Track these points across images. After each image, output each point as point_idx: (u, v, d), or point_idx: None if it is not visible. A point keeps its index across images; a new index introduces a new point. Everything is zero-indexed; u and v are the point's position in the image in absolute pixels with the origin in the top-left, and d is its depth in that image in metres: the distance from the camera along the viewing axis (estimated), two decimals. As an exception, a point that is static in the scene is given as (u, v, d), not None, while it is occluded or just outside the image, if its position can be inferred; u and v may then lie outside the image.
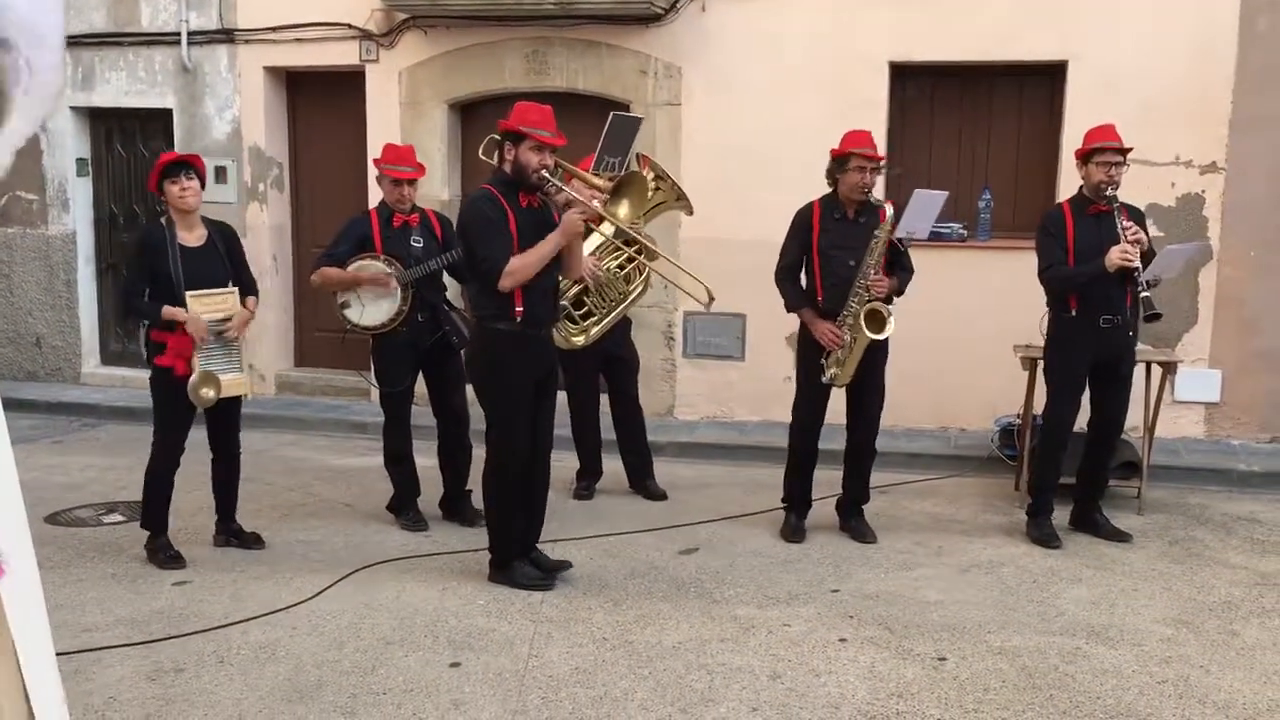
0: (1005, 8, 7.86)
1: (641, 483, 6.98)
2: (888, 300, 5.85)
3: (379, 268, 6.09)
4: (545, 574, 5.27)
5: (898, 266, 5.96)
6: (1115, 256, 5.64)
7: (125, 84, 9.73)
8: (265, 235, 9.50)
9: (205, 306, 5.46)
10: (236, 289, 5.61)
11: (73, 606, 4.97)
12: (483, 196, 5.12)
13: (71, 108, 9.89)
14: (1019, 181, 8.32)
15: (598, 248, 6.26)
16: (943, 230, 8.26)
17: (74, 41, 9.69)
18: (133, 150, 10.08)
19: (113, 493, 6.96)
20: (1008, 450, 7.32)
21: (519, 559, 5.28)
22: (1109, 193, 5.76)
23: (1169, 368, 6.69)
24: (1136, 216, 5.96)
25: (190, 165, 5.57)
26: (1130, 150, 5.93)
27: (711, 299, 5.93)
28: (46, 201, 10.10)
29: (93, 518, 6.45)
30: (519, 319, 5.04)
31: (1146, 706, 4.04)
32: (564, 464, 7.36)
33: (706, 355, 8.74)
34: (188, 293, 5.38)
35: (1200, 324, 7.83)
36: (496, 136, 5.22)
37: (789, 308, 6.03)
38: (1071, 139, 7.81)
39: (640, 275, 6.47)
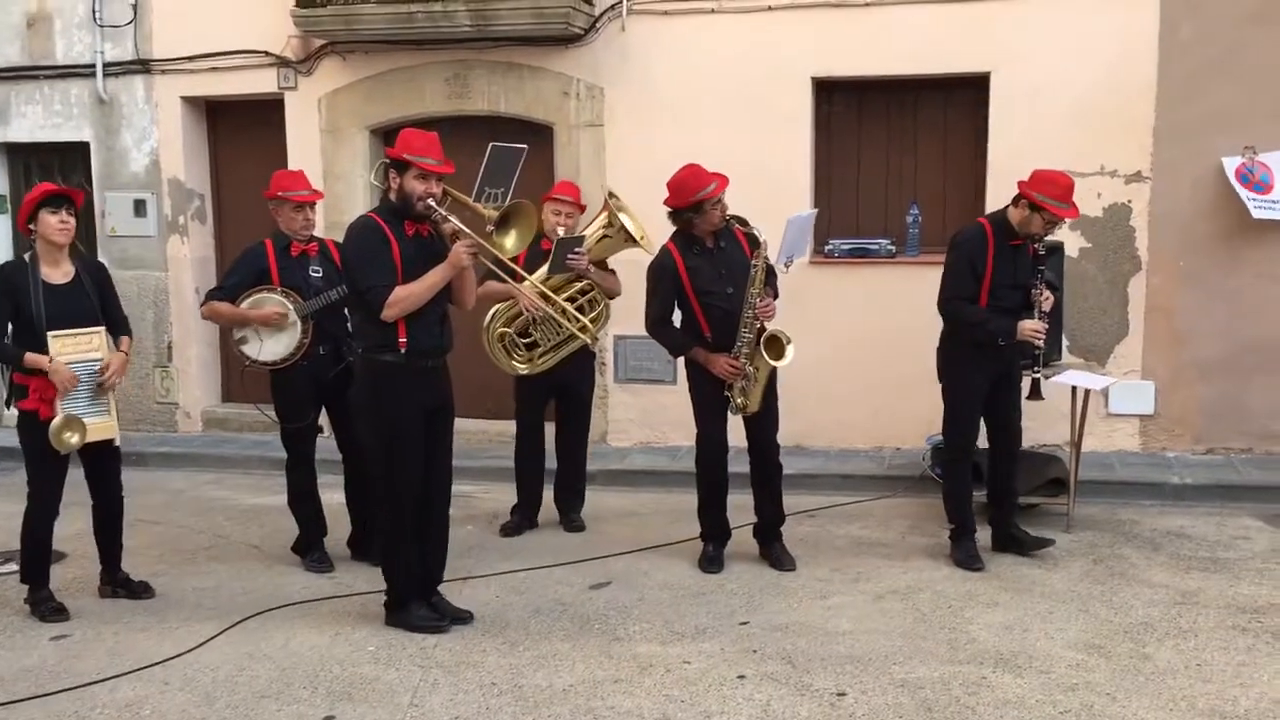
0: (926, 21, 7.75)
1: (566, 515, 6.80)
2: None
3: (276, 300, 5.90)
4: (440, 616, 5.06)
5: (768, 285, 5.80)
6: (1026, 332, 5.63)
7: (42, 118, 9.52)
8: (188, 268, 9.30)
9: (68, 347, 5.22)
10: (102, 328, 5.36)
11: (-61, 665, 4.75)
12: (366, 225, 4.97)
13: (-12, 143, 9.68)
14: (946, 195, 8.21)
15: (546, 280, 6.18)
16: (870, 246, 8.15)
17: (-11, 75, 9.52)
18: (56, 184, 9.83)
19: (13, 541, 6.68)
20: (939, 470, 7.17)
21: (415, 600, 5.08)
22: (1039, 243, 5.69)
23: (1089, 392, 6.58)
24: (1054, 248, 5.88)
25: (71, 200, 5.37)
26: (1076, 215, 5.92)
27: (594, 340, 6.18)
28: (-37, 240, 9.87)
29: (-14, 568, 6.21)
30: (404, 350, 4.87)
31: (1045, 740, 3.88)
32: (494, 497, 7.24)
33: (638, 380, 8.58)
34: (49, 333, 5.14)
35: (1131, 335, 7.71)
36: (386, 162, 5.07)
37: (675, 353, 5.93)
38: (997, 150, 7.75)
39: (595, 308, 6.36)
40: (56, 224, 5.24)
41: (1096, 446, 7.78)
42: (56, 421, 5.11)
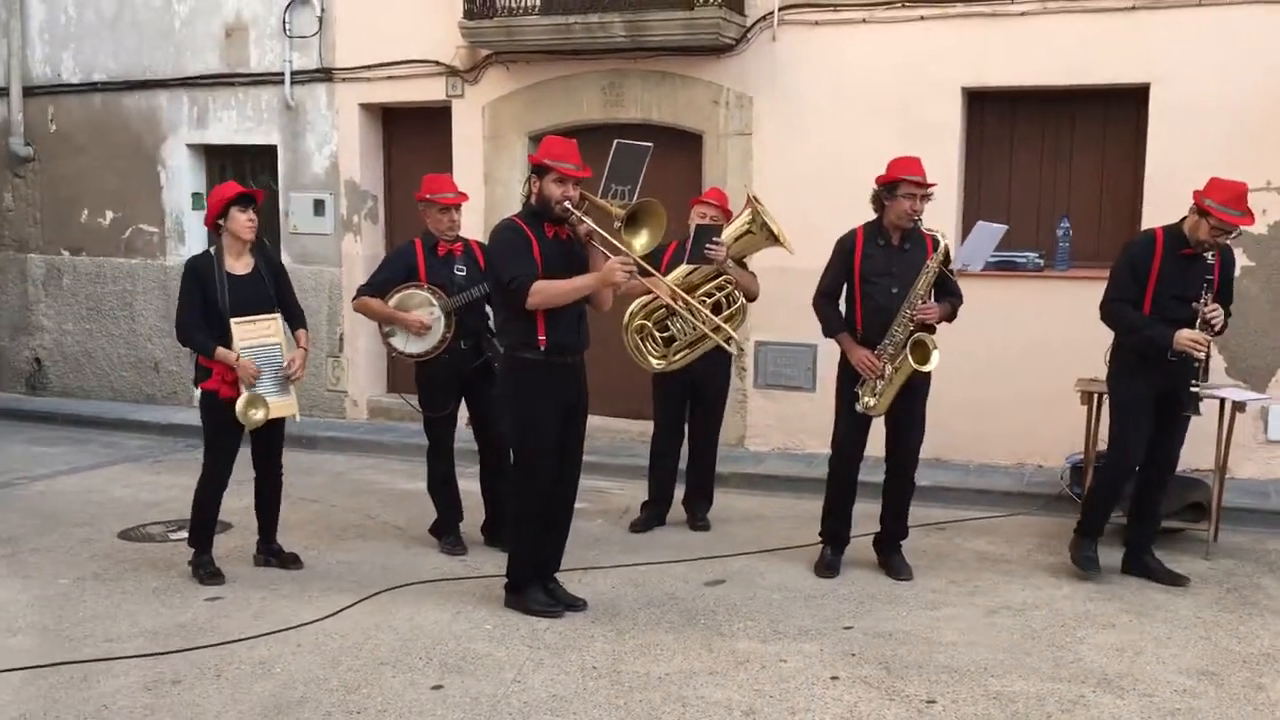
0: (1083, 31, 7.60)
1: (693, 515, 6.95)
2: (933, 329, 5.72)
3: (422, 297, 6.26)
4: (555, 602, 5.30)
5: (945, 292, 5.80)
6: (1184, 342, 5.39)
7: (236, 122, 10.27)
8: (359, 265, 9.85)
9: (249, 332, 5.71)
10: (278, 315, 5.83)
11: (106, 617, 5.26)
12: (507, 225, 5.26)
13: (188, 145, 10.50)
14: (1101, 209, 8.00)
15: (689, 272, 6.35)
16: (1018, 259, 8.02)
17: (191, 82, 10.34)
18: (243, 184, 10.58)
19: (189, 510, 7.29)
20: (1077, 489, 7.01)
21: (533, 585, 5.34)
22: (1207, 253, 5.47)
23: (1240, 406, 6.30)
24: (1227, 259, 5.65)
25: (255, 199, 5.85)
26: (1250, 222, 5.57)
27: (739, 351, 6.07)
28: (165, 234, 10.73)
29: (161, 534, 6.80)
30: (544, 347, 5.11)
31: (1131, 762, 3.82)
32: (627, 493, 7.47)
33: (778, 386, 8.67)
34: (232, 319, 5.63)
35: (1293, 358, 7.36)
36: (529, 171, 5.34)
37: (826, 332, 5.96)
38: (1155, 165, 7.52)
39: (732, 305, 6.51)
40: (245, 221, 5.73)
41: (1254, 474, 7.48)
42: (242, 400, 5.59)
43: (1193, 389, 5.53)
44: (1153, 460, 5.78)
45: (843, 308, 5.97)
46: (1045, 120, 8.12)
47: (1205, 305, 5.44)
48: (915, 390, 5.81)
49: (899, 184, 5.67)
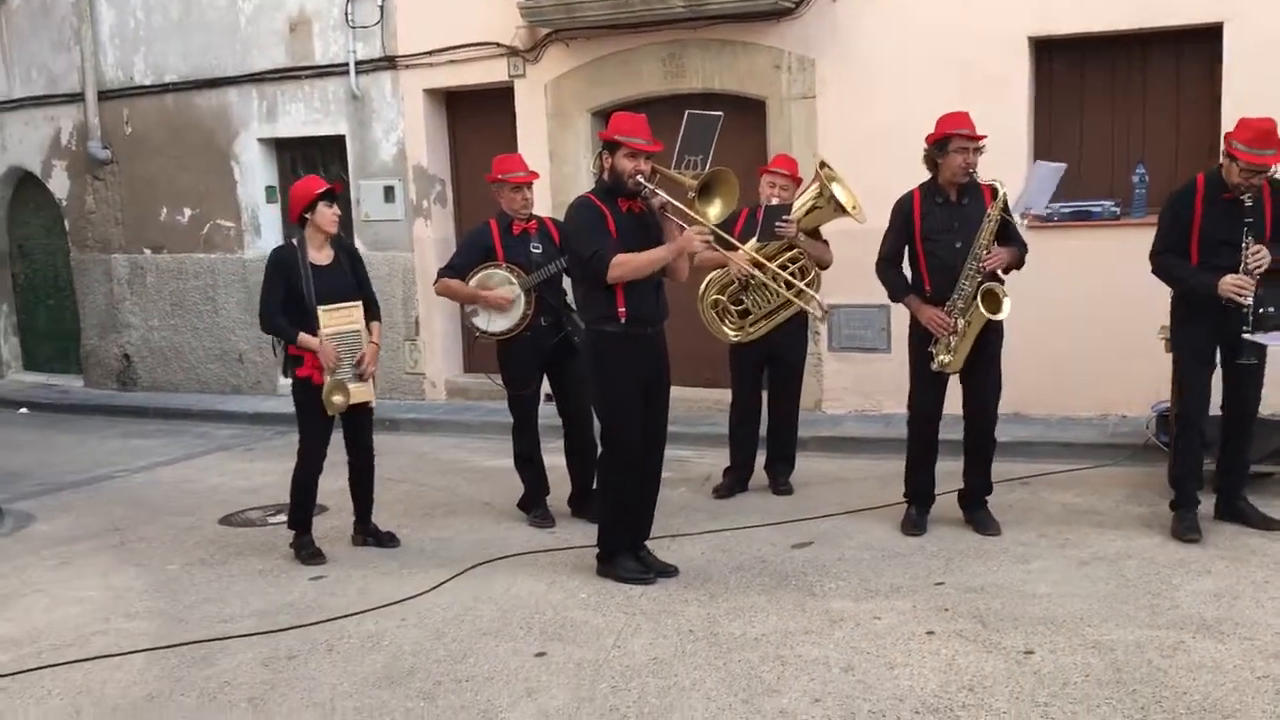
0: (1150, -29, 7.46)
1: (775, 480, 7.01)
2: (1002, 277, 5.71)
3: (501, 276, 6.37)
4: (647, 569, 5.40)
5: (1008, 239, 5.79)
6: (1228, 287, 5.31)
7: (304, 114, 10.47)
8: (430, 249, 10.01)
9: (335, 319, 5.87)
10: (360, 302, 5.99)
11: (218, 599, 5.47)
12: (582, 203, 5.34)
13: (259, 139, 10.72)
14: (1178, 154, 7.87)
15: (761, 248, 6.40)
16: (1094, 208, 7.93)
17: (259, 78, 10.54)
18: (317, 176, 10.78)
19: (285, 495, 7.50)
20: (1164, 437, 6.95)
21: (624, 553, 5.44)
22: (1244, 195, 5.36)
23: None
24: (1279, 192, 5.53)
25: (336, 194, 6.00)
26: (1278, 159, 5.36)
27: (826, 313, 6.30)
28: (242, 228, 10.98)
29: (260, 519, 7.01)
30: (624, 319, 5.20)
31: (1236, 703, 3.82)
32: (709, 461, 7.55)
33: (852, 348, 8.68)
34: (320, 307, 5.80)
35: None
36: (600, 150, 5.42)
37: (893, 297, 5.98)
38: (1232, 106, 7.36)
39: (805, 277, 6.56)
40: (331, 215, 5.90)
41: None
42: (327, 385, 5.77)
43: (1245, 335, 5.44)
44: (1230, 408, 5.72)
45: (907, 272, 5.97)
46: (1115, 66, 7.99)
47: (1247, 248, 5.34)
48: (989, 345, 5.81)
49: (950, 139, 5.67)
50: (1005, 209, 5.72)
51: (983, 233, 5.63)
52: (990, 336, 5.77)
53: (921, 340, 5.87)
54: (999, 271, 5.75)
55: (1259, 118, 5.36)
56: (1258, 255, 5.33)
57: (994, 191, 5.70)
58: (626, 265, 5.09)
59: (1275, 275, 5.50)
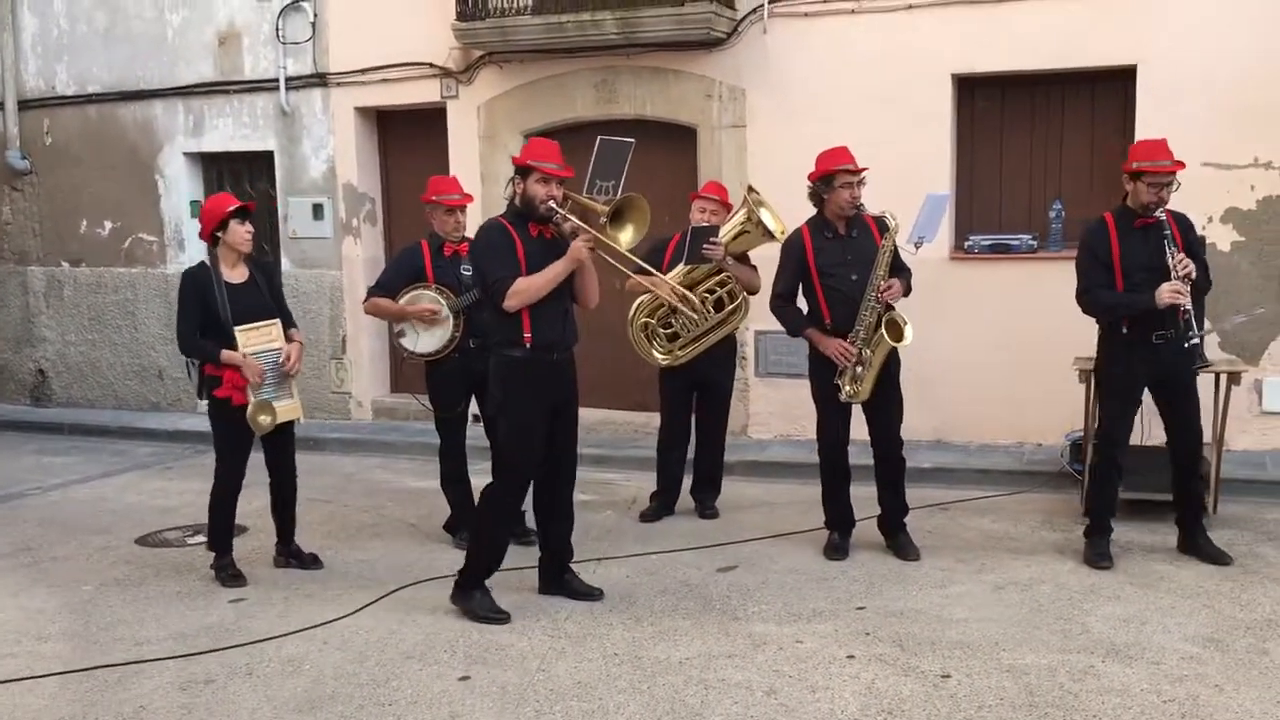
0: (1070, 14, 7.71)
1: (701, 504, 7.07)
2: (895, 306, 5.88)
3: (430, 297, 6.36)
4: (500, 610, 5.22)
5: (896, 269, 5.95)
6: (1165, 296, 5.44)
7: (232, 129, 10.35)
8: (359, 267, 9.94)
9: (253, 338, 5.79)
10: (278, 320, 5.93)
11: (134, 621, 5.36)
12: (493, 225, 5.33)
13: (184, 153, 10.57)
14: (1092, 188, 8.12)
15: (689, 271, 6.47)
16: (1012, 241, 8.15)
17: (186, 91, 10.41)
18: (241, 191, 10.66)
19: (204, 515, 7.38)
20: (1078, 465, 7.14)
21: (482, 588, 5.29)
22: (1157, 213, 5.56)
23: (1234, 377, 6.44)
24: (1184, 225, 5.74)
25: (249, 211, 5.93)
26: (1180, 168, 5.59)
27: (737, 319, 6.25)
28: (165, 242, 10.80)
29: (178, 539, 6.89)
30: (530, 345, 5.19)
31: (1143, 727, 3.95)
32: (635, 485, 7.59)
33: (778, 374, 8.79)
34: (236, 327, 5.72)
35: (1286, 331, 7.50)
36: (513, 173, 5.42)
37: (791, 333, 6.12)
38: (1144, 144, 7.63)
39: (733, 302, 6.63)
40: (244, 233, 5.82)
41: (1250, 445, 7.61)
42: (252, 406, 5.70)
43: (1192, 341, 5.54)
44: (1174, 441, 5.85)
45: (802, 305, 6.09)
46: (1034, 103, 8.24)
47: (1174, 258, 5.49)
48: (887, 372, 5.96)
49: (835, 175, 5.85)
50: (894, 241, 5.86)
51: (879, 265, 5.79)
52: (890, 361, 5.92)
53: (824, 371, 5.99)
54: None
55: (1146, 140, 5.70)
56: (1184, 264, 5.47)
57: (882, 224, 5.85)
58: (525, 291, 5.07)
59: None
